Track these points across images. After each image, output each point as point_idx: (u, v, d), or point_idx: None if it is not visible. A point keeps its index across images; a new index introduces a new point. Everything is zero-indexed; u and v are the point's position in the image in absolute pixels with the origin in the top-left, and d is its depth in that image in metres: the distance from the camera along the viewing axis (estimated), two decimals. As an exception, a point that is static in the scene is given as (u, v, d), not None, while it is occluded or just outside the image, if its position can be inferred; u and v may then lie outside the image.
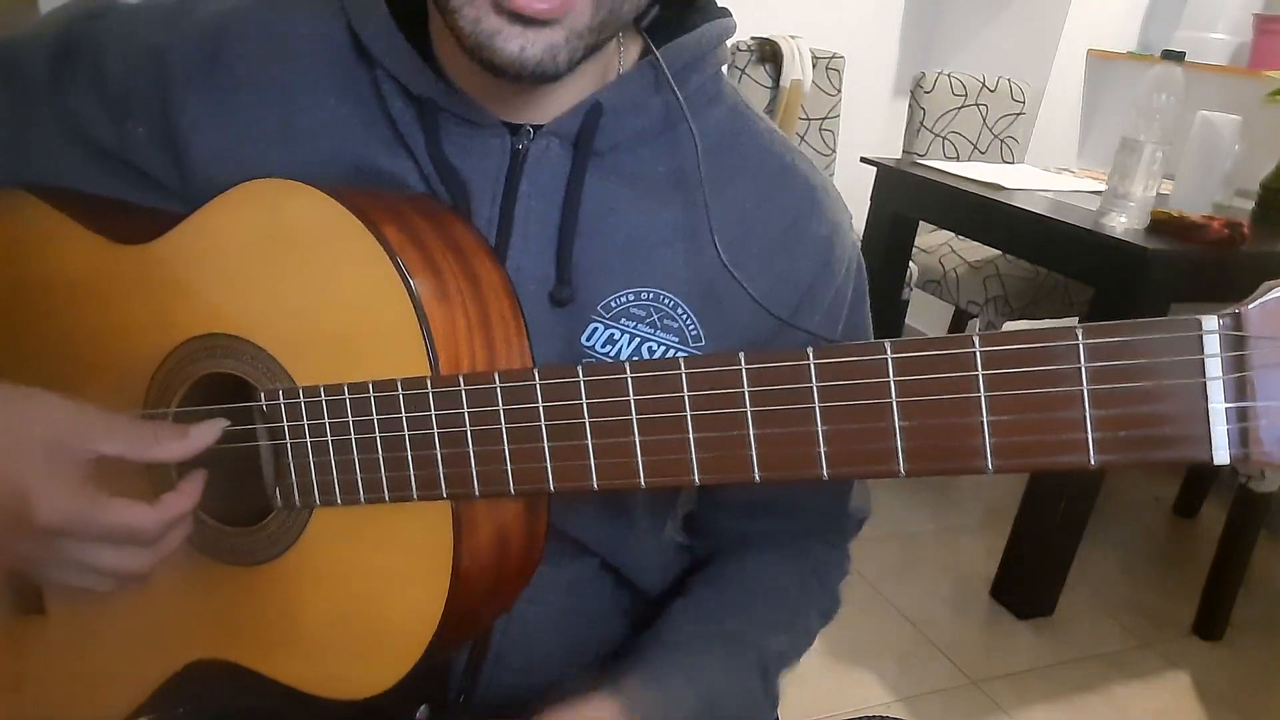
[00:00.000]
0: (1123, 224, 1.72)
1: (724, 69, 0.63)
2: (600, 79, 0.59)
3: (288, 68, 0.58)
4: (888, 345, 0.41)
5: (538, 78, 0.49)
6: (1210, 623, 1.98)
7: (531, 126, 0.58)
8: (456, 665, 0.65)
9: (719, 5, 0.63)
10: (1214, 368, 0.37)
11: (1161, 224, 1.72)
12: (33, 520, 0.49)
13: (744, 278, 0.57)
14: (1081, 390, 0.39)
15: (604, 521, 0.66)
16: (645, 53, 0.62)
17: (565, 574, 0.67)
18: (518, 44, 0.47)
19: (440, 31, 0.58)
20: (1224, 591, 1.97)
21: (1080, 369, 0.38)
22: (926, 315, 3.34)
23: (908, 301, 2.58)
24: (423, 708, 0.63)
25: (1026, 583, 1.97)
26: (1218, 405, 0.37)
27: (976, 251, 2.47)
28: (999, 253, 2.41)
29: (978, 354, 0.40)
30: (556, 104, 0.58)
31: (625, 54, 0.61)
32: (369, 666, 0.54)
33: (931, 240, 2.64)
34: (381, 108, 0.58)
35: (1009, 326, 2.56)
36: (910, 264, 2.49)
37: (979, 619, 1.96)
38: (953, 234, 2.57)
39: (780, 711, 0.77)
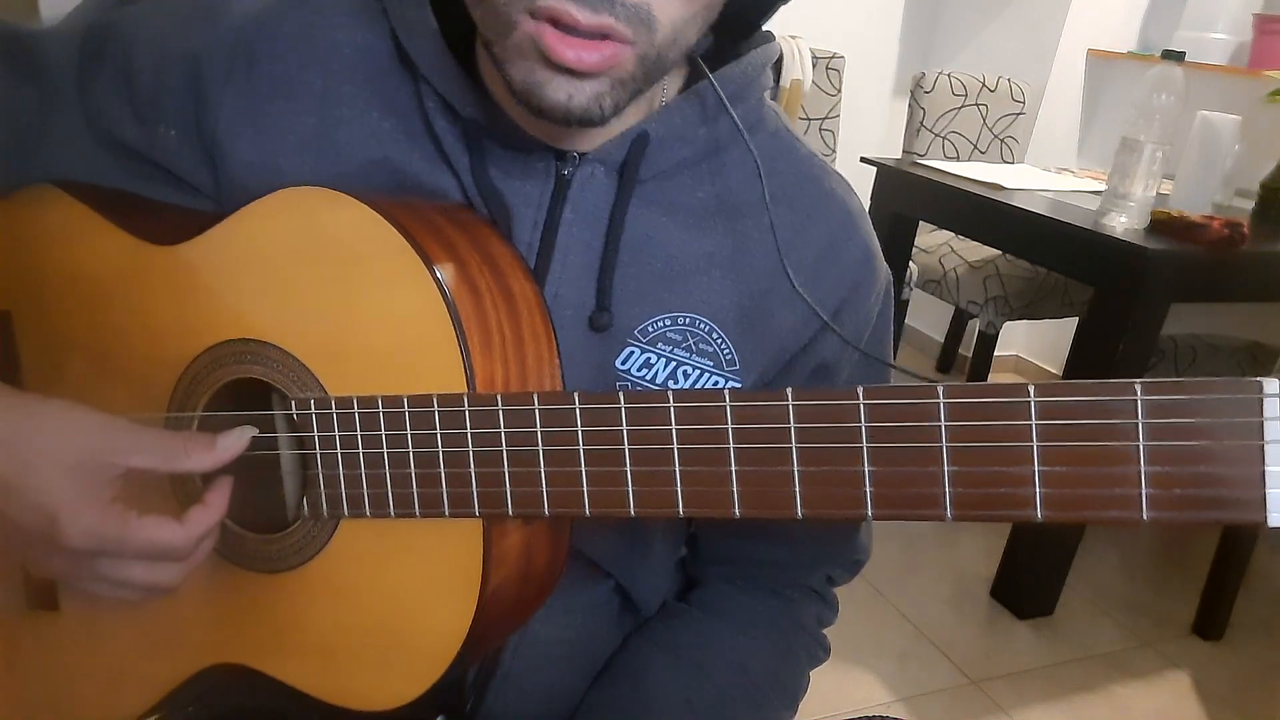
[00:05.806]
0: (1123, 224, 1.72)
1: (767, 94, 0.62)
2: (645, 107, 0.59)
3: (326, 75, 0.57)
4: (940, 389, 0.41)
5: (583, 123, 0.49)
6: (1210, 623, 1.99)
7: (576, 152, 0.57)
8: (466, 680, 0.65)
9: (764, 30, 0.62)
10: (1274, 431, 0.36)
11: (1161, 224, 1.72)
12: (63, 542, 0.49)
13: (786, 293, 0.58)
14: (1138, 446, 0.38)
15: (622, 544, 0.66)
16: (690, 79, 0.61)
17: (580, 596, 0.67)
18: (565, 92, 0.48)
19: (486, 55, 0.57)
20: (1224, 591, 1.97)
21: (1138, 425, 0.38)
22: (926, 315, 3.34)
23: (908, 301, 2.58)
24: (439, 718, 0.63)
25: (1026, 583, 1.98)
26: (1275, 469, 0.37)
27: (976, 251, 2.48)
28: (999, 253, 2.42)
29: (1032, 404, 0.39)
30: (601, 132, 0.57)
31: (670, 80, 0.61)
32: (391, 680, 0.54)
33: (931, 240, 2.64)
34: (424, 122, 0.57)
35: (1010, 325, 2.57)
36: (910, 264, 2.49)
37: (979, 619, 1.97)
38: (953, 234, 2.58)
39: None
